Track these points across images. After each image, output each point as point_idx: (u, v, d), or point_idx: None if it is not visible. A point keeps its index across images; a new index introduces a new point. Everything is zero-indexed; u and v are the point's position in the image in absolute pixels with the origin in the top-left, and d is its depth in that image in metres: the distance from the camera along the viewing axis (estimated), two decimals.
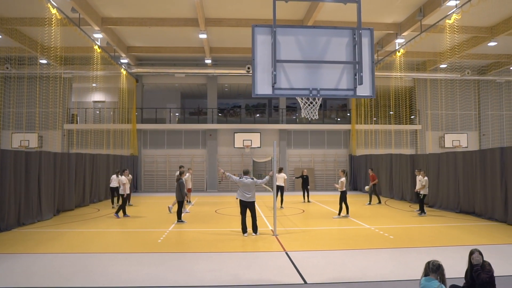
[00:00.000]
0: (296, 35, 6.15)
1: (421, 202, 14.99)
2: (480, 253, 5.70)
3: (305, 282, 6.81)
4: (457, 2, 15.66)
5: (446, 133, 28.81)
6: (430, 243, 10.03)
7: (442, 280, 5.13)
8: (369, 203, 18.65)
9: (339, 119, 31.30)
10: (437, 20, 17.43)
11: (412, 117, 29.64)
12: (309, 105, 6.62)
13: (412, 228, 12.57)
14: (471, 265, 5.72)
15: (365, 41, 6.21)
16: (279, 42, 6.01)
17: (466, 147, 27.65)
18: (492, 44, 21.60)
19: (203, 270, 7.55)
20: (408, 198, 19.63)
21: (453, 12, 15.62)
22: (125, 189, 15.31)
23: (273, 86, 5.95)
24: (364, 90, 6.16)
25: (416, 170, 16.17)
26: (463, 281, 5.80)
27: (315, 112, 6.67)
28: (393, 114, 28.20)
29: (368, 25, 18.04)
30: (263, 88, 6.01)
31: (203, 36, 20.83)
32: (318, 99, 6.60)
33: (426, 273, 5.12)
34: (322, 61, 6.05)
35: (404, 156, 20.62)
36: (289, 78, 6.03)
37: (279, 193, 17.34)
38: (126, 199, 15.31)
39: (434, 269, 5.15)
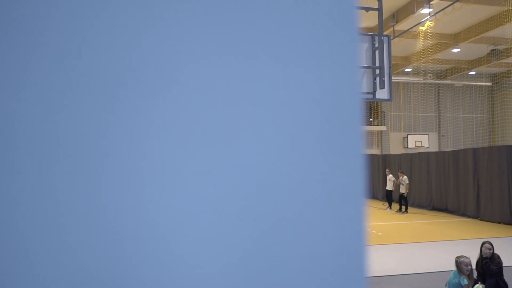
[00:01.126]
0: None
1: (405, 201, 15.62)
2: (491, 245, 6.18)
3: None
4: (431, 10, 16.51)
5: (409, 134, 30.15)
6: (419, 239, 10.57)
7: (460, 273, 5.57)
8: None
9: None
10: (410, 26, 18.28)
11: (370, 119, 30.55)
12: None
13: (395, 225, 13.16)
14: (481, 257, 6.19)
15: (385, 47, 6.53)
16: None
17: (427, 148, 29.06)
18: (455, 50, 22.87)
19: None
20: (380, 197, 20.41)
21: (426, 20, 16.47)
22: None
23: None
24: (383, 93, 6.47)
25: (387, 170, 16.87)
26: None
27: None
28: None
29: None
30: None
31: None
32: None
33: None
34: None
35: (376, 156, 21.43)
36: None
37: None
38: None
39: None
